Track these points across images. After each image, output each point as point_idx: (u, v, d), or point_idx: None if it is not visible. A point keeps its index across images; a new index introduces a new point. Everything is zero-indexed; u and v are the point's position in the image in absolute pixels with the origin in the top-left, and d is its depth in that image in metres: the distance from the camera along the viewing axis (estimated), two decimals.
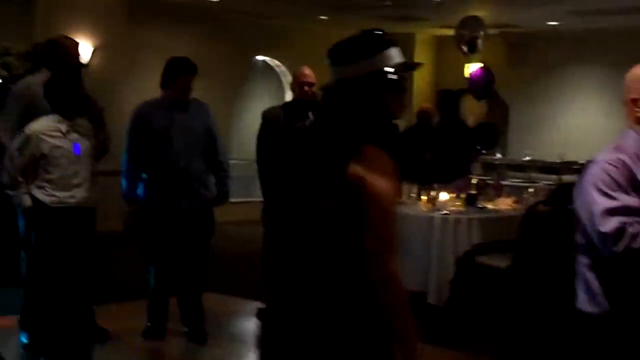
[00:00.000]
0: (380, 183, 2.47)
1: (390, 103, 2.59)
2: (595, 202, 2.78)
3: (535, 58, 13.03)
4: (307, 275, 2.65)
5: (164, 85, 5.80)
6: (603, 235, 2.74)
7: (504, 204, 7.57)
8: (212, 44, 12.19)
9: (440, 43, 13.74)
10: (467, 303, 6.85)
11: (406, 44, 13.39)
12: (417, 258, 6.96)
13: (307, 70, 6.40)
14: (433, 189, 7.28)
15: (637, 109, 2.90)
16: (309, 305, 2.63)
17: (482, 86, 8.41)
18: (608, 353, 2.85)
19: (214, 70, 11.95)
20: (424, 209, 7.10)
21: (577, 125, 12.91)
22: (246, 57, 12.75)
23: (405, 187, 7.42)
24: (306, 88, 6.32)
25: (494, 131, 8.52)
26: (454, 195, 7.23)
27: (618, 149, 2.89)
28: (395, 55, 2.60)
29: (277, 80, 14.04)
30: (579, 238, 2.92)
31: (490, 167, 11.76)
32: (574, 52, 12.72)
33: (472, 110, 8.80)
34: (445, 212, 6.95)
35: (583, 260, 2.92)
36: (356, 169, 2.48)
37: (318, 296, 2.61)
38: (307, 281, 2.65)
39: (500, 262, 6.80)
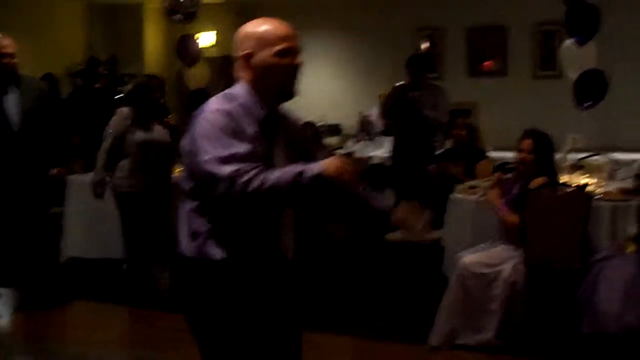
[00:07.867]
0: None
1: None
2: (208, 151, 2.82)
3: None
4: None
5: None
6: (217, 181, 2.77)
7: None
8: None
9: None
10: None
11: (134, 15, 13.34)
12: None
13: (7, 41, 6.26)
14: None
15: (248, 64, 3.06)
16: None
17: (187, 53, 8.72)
18: (210, 295, 2.92)
19: None
20: None
21: (305, 88, 13.36)
22: None
23: None
24: (6, 60, 6.20)
25: (205, 96, 8.82)
26: None
27: (230, 98, 3.03)
28: None
29: None
30: (185, 183, 2.99)
31: None
32: (299, 19, 13.12)
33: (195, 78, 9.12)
34: None
35: (189, 205, 2.99)
36: None
37: None
38: None
39: None
